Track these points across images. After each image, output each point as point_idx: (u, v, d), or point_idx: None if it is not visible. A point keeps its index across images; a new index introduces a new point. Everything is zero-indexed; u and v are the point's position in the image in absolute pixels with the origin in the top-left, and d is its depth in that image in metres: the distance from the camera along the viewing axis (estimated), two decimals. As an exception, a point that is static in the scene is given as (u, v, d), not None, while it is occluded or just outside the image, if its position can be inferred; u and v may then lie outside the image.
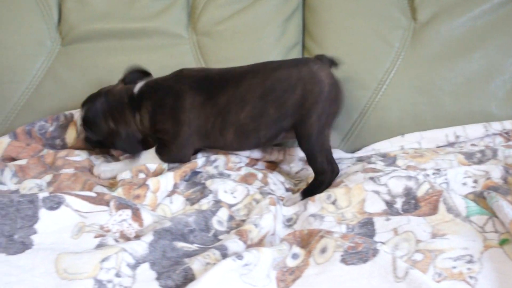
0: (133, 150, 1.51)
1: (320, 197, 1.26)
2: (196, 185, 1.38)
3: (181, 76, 1.48)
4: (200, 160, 1.47)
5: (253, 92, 1.39)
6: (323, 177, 1.37)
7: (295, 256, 1.04)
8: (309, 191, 1.35)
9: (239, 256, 0.97)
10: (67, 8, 1.74)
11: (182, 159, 1.47)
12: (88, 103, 1.50)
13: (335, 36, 1.69)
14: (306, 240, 1.07)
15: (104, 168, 1.49)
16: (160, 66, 1.67)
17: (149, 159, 1.47)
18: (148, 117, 1.47)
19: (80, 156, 1.56)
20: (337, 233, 1.05)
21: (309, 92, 1.36)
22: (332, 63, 1.44)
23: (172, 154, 1.46)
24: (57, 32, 1.76)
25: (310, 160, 1.39)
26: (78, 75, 1.70)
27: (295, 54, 1.72)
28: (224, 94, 1.41)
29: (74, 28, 1.73)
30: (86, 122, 1.50)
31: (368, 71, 1.65)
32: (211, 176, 1.42)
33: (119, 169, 1.48)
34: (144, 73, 1.56)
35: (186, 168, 1.41)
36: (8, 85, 1.68)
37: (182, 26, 1.73)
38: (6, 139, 1.58)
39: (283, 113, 1.38)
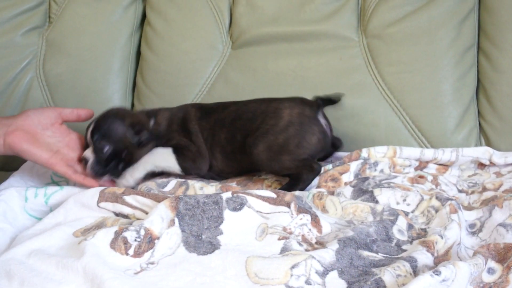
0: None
1: (509, 203, 1.18)
2: (364, 193, 1.34)
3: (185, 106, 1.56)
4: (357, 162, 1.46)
5: (228, 117, 1.46)
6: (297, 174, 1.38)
7: (491, 271, 0.98)
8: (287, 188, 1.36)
9: (436, 271, 0.92)
10: (238, 12, 1.78)
11: (200, 164, 1.47)
12: (96, 118, 1.45)
13: (514, 37, 1.60)
14: (503, 255, 1.00)
15: (126, 181, 1.44)
16: (329, 69, 1.67)
17: (165, 156, 1.46)
18: (166, 123, 1.50)
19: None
20: (540, 250, 0.98)
21: (264, 123, 1.40)
22: (330, 101, 1.47)
23: (192, 156, 1.46)
24: (228, 36, 1.79)
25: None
26: (248, 78, 1.72)
27: (470, 56, 1.63)
28: (214, 115, 1.49)
29: (244, 32, 1.76)
30: (98, 130, 1.42)
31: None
32: (379, 185, 1.37)
33: (139, 172, 1.45)
34: None
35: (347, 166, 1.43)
36: (183, 88, 1.75)
37: (352, 28, 1.70)
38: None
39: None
